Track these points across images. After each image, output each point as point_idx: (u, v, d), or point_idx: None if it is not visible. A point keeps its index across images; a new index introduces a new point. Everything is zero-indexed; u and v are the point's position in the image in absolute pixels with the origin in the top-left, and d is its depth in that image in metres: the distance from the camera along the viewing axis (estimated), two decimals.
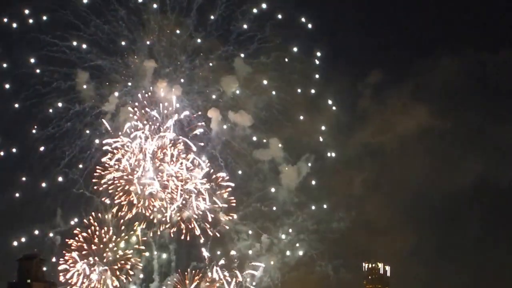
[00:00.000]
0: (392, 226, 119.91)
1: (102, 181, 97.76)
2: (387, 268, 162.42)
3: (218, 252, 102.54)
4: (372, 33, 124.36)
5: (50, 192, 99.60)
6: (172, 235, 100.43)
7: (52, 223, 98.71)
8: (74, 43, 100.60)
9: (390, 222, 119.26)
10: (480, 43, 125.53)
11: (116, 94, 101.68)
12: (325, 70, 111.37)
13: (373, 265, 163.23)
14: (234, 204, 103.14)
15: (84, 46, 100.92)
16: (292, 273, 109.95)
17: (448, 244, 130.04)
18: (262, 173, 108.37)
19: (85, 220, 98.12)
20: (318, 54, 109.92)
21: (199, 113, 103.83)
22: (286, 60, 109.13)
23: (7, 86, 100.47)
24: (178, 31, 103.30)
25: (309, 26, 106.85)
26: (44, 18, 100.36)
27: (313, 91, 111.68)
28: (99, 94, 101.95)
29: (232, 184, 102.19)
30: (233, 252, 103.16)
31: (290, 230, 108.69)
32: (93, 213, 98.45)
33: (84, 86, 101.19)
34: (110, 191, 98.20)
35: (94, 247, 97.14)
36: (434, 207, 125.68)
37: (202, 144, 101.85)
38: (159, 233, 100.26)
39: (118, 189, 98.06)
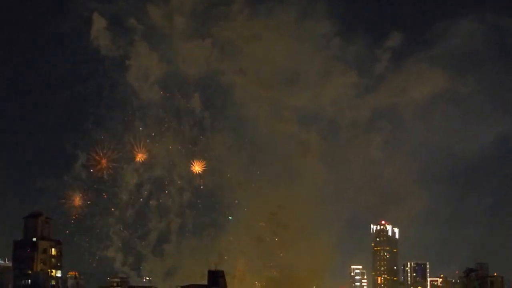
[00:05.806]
0: (405, 190, 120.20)
1: None
2: (396, 230, 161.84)
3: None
4: None
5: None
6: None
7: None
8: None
9: (404, 186, 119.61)
10: (499, 8, 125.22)
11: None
12: (344, 32, 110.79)
13: (382, 227, 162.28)
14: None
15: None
16: (302, 235, 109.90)
17: (463, 209, 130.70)
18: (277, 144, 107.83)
19: None
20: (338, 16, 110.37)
21: None
22: (307, 22, 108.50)
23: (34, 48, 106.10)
24: None
25: None
26: None
27: (331, 54, 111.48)
28: (125, 49, 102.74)
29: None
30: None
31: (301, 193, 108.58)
32: None
33: (106, 42, 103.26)
34: None
35: None
36: (450, 171, 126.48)
37: None
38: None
39: None
